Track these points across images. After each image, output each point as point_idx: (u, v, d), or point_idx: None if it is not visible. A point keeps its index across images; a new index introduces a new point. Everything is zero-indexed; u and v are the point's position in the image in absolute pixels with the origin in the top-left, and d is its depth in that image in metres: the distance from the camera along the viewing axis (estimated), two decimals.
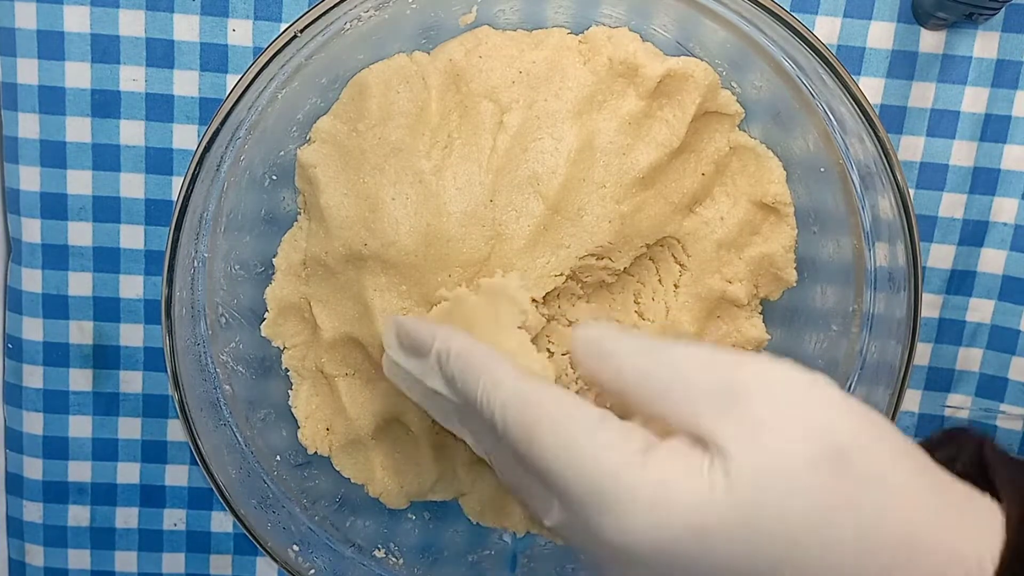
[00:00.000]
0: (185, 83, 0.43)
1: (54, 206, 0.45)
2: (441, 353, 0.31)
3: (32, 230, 0.45)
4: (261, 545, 0.42)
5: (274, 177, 0.42)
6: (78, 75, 0.43)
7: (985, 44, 0.43)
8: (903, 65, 0.43)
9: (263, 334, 0.43)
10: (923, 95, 0.44)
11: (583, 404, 0.27)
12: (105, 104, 0.44)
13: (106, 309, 0.46)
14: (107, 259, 0.45)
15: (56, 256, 0.45)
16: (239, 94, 0.37)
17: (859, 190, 0.40)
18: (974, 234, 0.45)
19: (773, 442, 0.24)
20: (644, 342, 0.27)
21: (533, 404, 0.27)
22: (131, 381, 0.47)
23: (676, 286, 0.43)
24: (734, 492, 0.24)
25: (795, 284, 0.43)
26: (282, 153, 0.41)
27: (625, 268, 0.41)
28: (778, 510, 0.23)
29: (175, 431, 0.48)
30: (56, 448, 0.48)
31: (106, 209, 0.45)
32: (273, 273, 0.43)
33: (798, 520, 0.23)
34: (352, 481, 0.45)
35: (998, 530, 0.24)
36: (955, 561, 0.24)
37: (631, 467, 0.25)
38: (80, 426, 0.47)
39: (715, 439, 0.24)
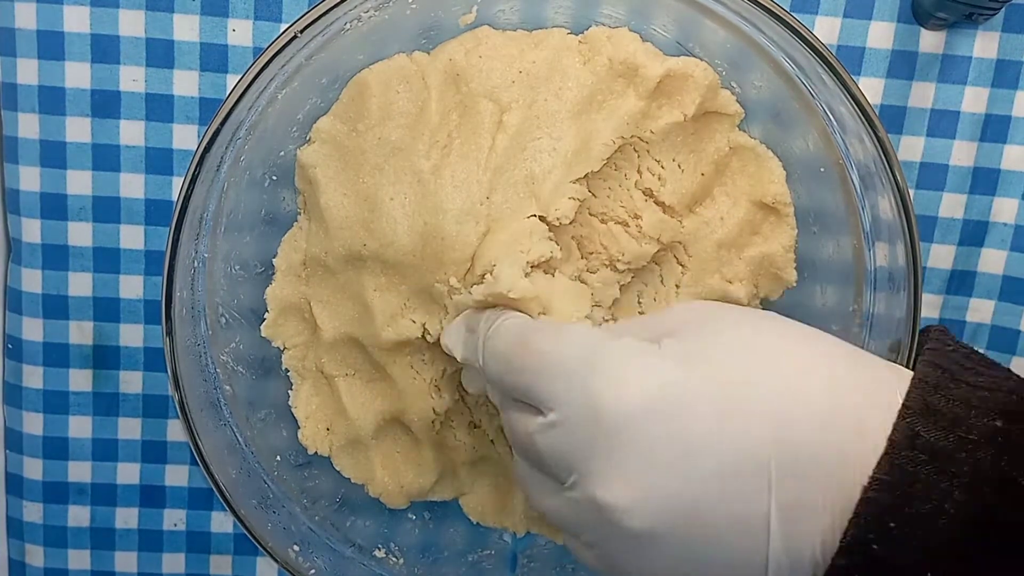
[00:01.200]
0: (185, 83, 0.43)
1: (54, 206, 0.45)
2: (485, 322, 0.35)
3: (32, 230, 0.45)
4: (261, 545, 0.42)
5: (274, 177, 0.42)
6: (78, 75, 0.43)
7: (985, 44, 0.43)
8: (903, 65, 0.43)
9: (263, 334, 0.43)
10: (923, 95, 0.44)
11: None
12: (105, 104, 0.44)
13: (106, 309, 0.46)
14: (107, 259, 0.45)
15: (56, 256, 0.45)
16: (239, 94, 0.37)
17: (859, 190, 0.40)
18: (974, 234, 0.45)
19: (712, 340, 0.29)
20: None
21: (529, 322, 0.34)
22: (131, 381, 0.47)
23: (677, 286, 0.42)
24: (689, 358, 0.29)
25: (795, 284, 0.43)
26: (282, 153, 0.41)
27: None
28: (719, 370, 0.28)
29: (175, 431, 0.48)
30: (56, 448, 0.48)
31: (106, 209, 0.45)
32: (273, 273, 0.43)
33: (734, 374, 0.28)
34: (352, 481, 0.45)
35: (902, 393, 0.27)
36: (856, 426, 0.27)
37: (611, 338, 0.30)
38: (80, 426, 0.47)
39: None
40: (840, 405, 0.27)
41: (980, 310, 0.46)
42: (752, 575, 0.28)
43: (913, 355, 0.38)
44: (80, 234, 0.45)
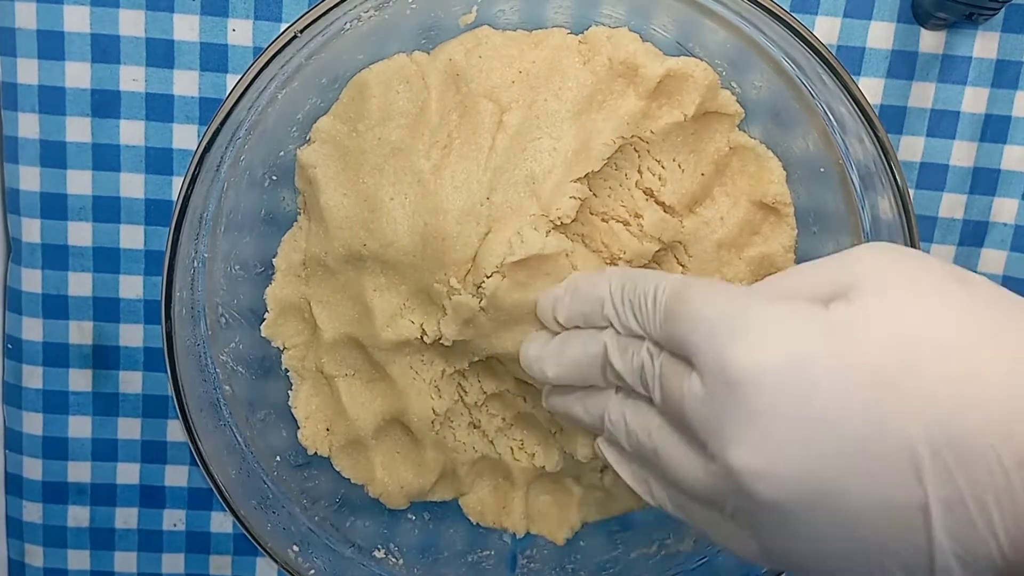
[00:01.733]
0: (185, 83, 0.43)
1: (54, 206, 0.45)
2: (615, 283, 0.34)
3: (32, 230, 0.45)
4: (261, 545, 0.42)
5: (274, 177, 0.42)
6: (78, 75, 0.43)
7: (985, 44, 0.43)
8: (903, 65, 0.43)
9: (263, 334, 0.44)
10: (923, 95, 0.44)
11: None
12: (105, 104, 0.44)
13: (106, 309, 0.46)
14: (107, 259, 0.45)
15: (56, 256, 0.45)
16: (239, 94, 0.37)
17: (859, 190, 0.40)
18: (974, 234, 0.45)
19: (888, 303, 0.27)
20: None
21: (687, 282, 0.32)
22: (131, 381, 0.47)
23: None
24: (844, 326, 0.27)
25: None
26: (282, 153, 0.41)
27: None
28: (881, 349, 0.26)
29: (175, 431, 0.48)
30: (56, 448, 0.48)
31: (106, 209, 0.45)
32: (273, 273, 0.43)
33: (889, 348, 0.26)
34: (352, 481, 0.45)
35: None
36: None
37: (762, 300, 0.29)
38: (80, 426, 0.47)
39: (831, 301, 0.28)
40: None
41: None
42: (916, 566, 0.26)
43: None
44: (80, 234, 0.45)
